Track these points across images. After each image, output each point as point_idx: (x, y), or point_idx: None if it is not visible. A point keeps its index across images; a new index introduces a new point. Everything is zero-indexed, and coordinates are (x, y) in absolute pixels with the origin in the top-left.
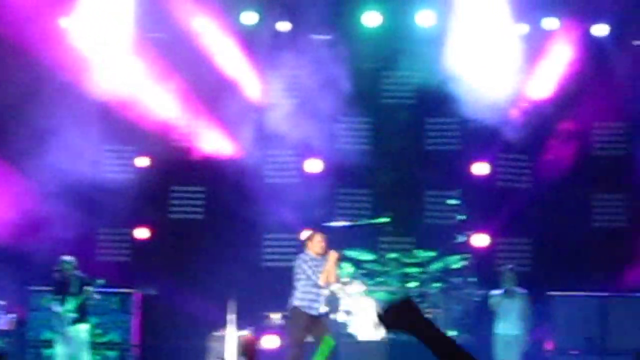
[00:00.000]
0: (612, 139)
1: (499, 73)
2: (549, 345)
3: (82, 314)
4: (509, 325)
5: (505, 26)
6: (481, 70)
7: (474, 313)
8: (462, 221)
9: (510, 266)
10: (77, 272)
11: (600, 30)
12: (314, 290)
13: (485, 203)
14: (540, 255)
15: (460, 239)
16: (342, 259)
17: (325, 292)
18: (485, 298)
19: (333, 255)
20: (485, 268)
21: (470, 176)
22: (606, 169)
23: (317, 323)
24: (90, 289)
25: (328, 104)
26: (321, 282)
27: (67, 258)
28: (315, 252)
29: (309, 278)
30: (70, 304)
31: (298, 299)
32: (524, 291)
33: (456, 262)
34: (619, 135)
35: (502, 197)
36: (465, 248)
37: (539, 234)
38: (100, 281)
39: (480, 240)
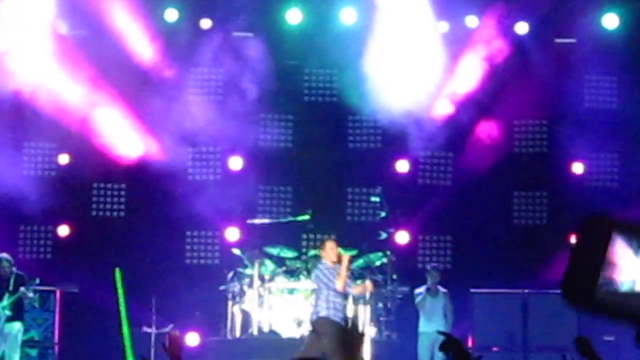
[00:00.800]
0: (533, 136)
1: (421, 70)
2: (470, 342)
3: (17, 312)
4: (433, 323)
5: (427, 24)
6: (403, 67)
7: (396, 310)
8: (384, 218)
9: (434, 264)
10: (15, 270)
11: (522, 28)
12: (336, 299)
13: (407, 200)
14: (461, 253)
15: (383, 236)
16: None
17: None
18: (407, 295)
19: (346, 258)
20: (407, 265)
21: (392, 173)
22: (527, 166)
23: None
24: (25, 287)
25: (250, 102)
26: (338, 288)
27: (4, 255)
28: (330, 260)
29: (327, 287)
30: (6, 302)
31: (324, 308)
32: (445, 290)
33: (378, 259)
34: (540, 133)
35: (424, 194)
36: (387, 245)
37: (460, 231)
38: (36, 280)
39: (402, 237)
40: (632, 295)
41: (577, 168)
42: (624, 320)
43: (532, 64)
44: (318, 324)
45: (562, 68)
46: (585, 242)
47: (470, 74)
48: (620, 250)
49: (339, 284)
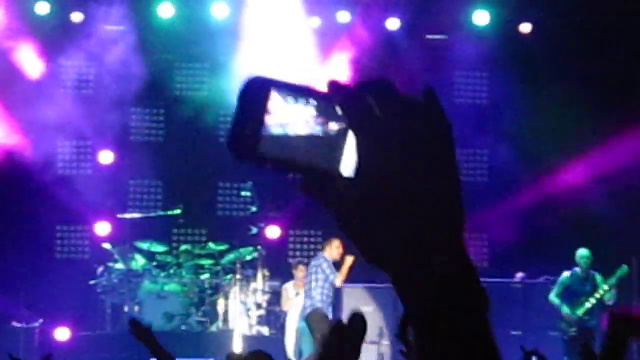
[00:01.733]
0: None
1: (293, 65)
2: None
3: None
4: (300, 317)
5: (298, 19)
6: (274, 62)
7: (266, 305)
8: (255, 213)
9: (300, 259)
10: None
11: (393, 24)
12: (330, 293)
13: (277, 195)
14: None
15: (253, 230)
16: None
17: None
18: (277, 290)
19: (349, 259)
20: (277, 260)
21: (262, 168)
22: None
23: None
24: None
25: (121, 95)
26: (338, 284)
27: None
28: (332, 257)
29: (326, 280)
30: None
31: (318, 301)
32: None
33: (249, 254)
34: None
35: (295, 189)
36: (257, 240)
37: (330, 226)
38: None
39: (273, 232)
40: (286, 139)
41: None
42: (289, 168)
43: (403, 60)
44: (313, 316)
45: (433, 64)
46: (245, 101)
47: (341, 69)
48: (276, 102)
49: (339, 281)
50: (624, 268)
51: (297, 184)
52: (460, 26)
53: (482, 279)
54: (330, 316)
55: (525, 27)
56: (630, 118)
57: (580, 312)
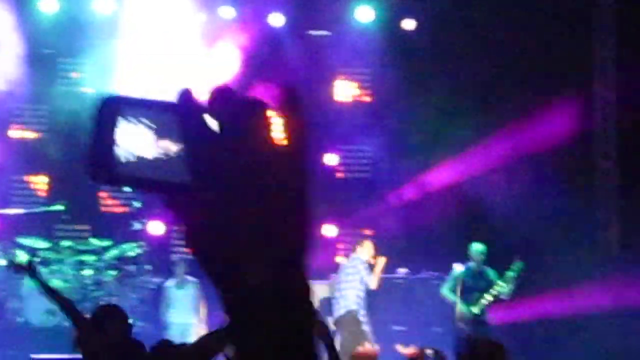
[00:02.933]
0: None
1: (178, 61)
2: None
3: None
4: (182, 314)
5: (184, 14)
6: (161, 57)
7: (149, 301)
8: (139, 209)
9: (181, 255)
10: None
11: (276, 19)
12: (363, 295)
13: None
14: None
15: (136, 226)
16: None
17: None
18: (160, 286)
19: (382, 260)
20: (160, 256)
21: None
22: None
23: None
24: None
25: (3, 90)
26: (373, 287)
27: None
28: (365, 258)
29: (361, 282)
30: None
31: (353, 302)
32: (195, 280)
33: (131, 249)
34: None
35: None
36: (140, 236)
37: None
38: None
39: (156, 228)
40: (139, 160)
41: (330, 159)
42: (147, 187)
43: (286, 56)
44: (346, 317)
45: (316, 60)
46: (98, 125)
47: (225, 65)
48: (123, 128)
49: (374, 284)
50: (520, 263)
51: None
52: (344, 22)
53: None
54: (360, 318)
55: (409, 24)
56: (511, 114)
57: (476, 309)
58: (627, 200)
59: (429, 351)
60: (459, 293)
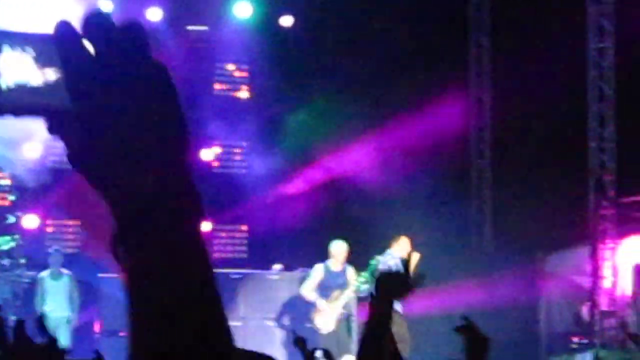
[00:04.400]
0: None
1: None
2: (97, 327)
3: None
4: (56, 306)
5: (61, 7)
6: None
7: (23, 294)
8: (13, 202)
9: (56, 247)
10: None
11: (154, 14)
12: None
13: (36, 184)
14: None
15: (10, 219)
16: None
17: None
18: (34, 279)
19: (416, 256)
20: (35, 249)
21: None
22: None
23: None
24: None
25: None
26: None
27: None
28: (400, 254)
29: None
30: None
31: None
32: (69, 272)
33: (6, 243)
34: None
35: (54, 177)
36: (15, 229)
37: (91, 215)
38: None
39: (30, 221)
40: (17, 90)
41: (207, 155)
42: (30, 113)
43: (165, 51)
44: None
45: (194, 55)
46: None
47: None
48: (3, 55)
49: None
50: (378, 260)
51: (47, 127)
52: (222, 18)
53: (240, 270)
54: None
55: (287, 20)
56: (389, 111)
57: (334, 306)
58: (500, 199)
59: (318, 353)
60: (316, 291)
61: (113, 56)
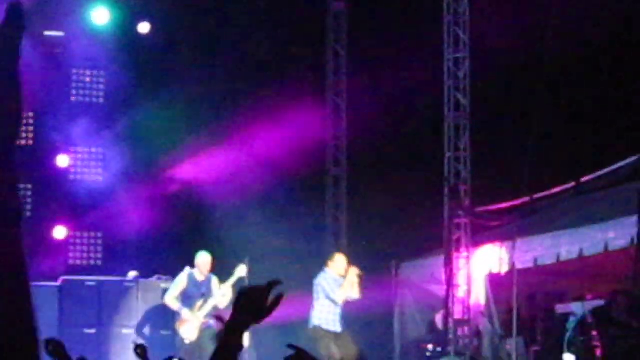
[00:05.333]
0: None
1: None
2: None
3: None
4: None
5: None
6: None
7: None
8: None
9: None
10: None
11: None
12: (330, 309)
13: None
14: None
15: None
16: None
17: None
18: None
19: (353, 273)
20: None
21: None
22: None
23: (341, 338)
24: None
25: None
26: (339, 300)
27: None
28: (338, 272)
29: (327, 297)
30: None
31: (316, 317)
32: None
33: None
34: (26, 125)
35: None
36: None
37: None
38: None
39: None
40: None
41: (62, 161)
42: None
43: (21, 56)
44: (311, 333)
45: (50, 61)
46: None
47: None
48: None
49: (339, 297)
50: (242, 268)
51: None
52: (79, 24)
53: (95, 277)
54: (336, 330)
55: (144, 27)
56: (246, 119)
57: (197, 316)
58: (356, 208)
59: None
60: (179, 300)
61: None
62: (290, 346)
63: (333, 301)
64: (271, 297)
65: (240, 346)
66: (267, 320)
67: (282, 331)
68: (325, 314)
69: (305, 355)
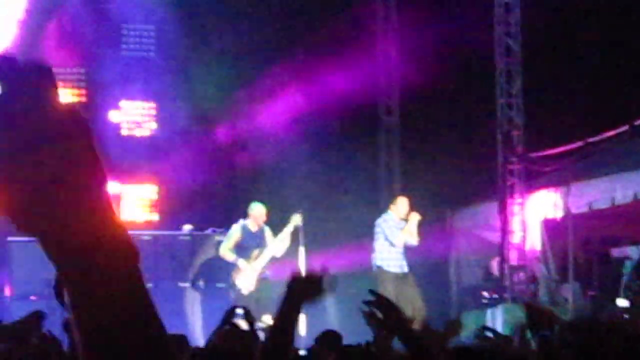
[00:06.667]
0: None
1: None
2: (7, 291)
3: None
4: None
5: None
6: None
7: None
8: None
9: None
10: None
11: None
12: (393, 250)
13: None
14: None
15: None
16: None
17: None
18: None
19: (414, 217)
20: None
21: None
22: None
23: (404, 282)
24: None
25: None
26: (398, 243)
27: None
28: (399, 215)
29: (386, 239)
30: None
31: (379, 259)
32: None
33: None
34: (78, 81)
35: None
36: None
37: None
38: None
39: None
40: None
41: (114, 116)
42: None
43: (70, 12)
44: (376, 273)
45: (101, 16)
46: None
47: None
48: None
49: (398, 240)
50: (297, 217)
51: None
52: None
53: (152, 231)
54: (399, 271)
55: None
56: (297, 70)
57: (253, 267)
58: (409, 157)
59: (239, 311)
60: (234, 251)
61: (20, 97)
62: (370, 291)
63: (391, 243)
64: (325, 281)
65: (296, 321)
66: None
67: (341, 280)
68: (386, 254)
69: (385, 299)
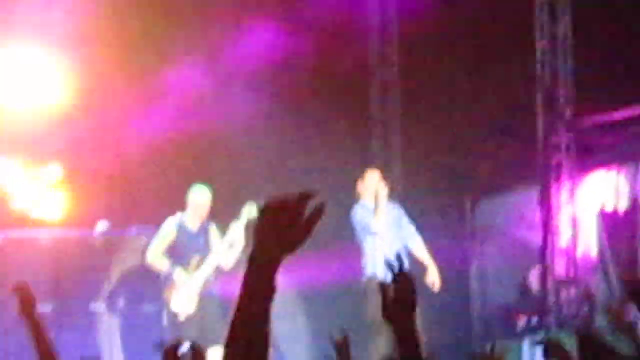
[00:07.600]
0: None
1: None
2: None
3: None
4: None
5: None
6: None
7: None
8: None
9: None
10: None
11: None
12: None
13: None
14: None
15: None
16: None
17: None
18: None
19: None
20: None
21: None
22: None
23: None
24: None
25: None
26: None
27: None
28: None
29: (368, 233)
30: None
31: (370, 264)
32: None
33: None
34: None
35: None
36: None
37: None
38: None
39: None
40: None
41: None
42: None
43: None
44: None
45: None
46: None
47: None
48: None
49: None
50: (251, 208)
51: None
52: None
53: (51, 230)
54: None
55: None
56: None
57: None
58: (412, 125)
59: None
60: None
61: None
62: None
63: (374, 235)
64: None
65: (272, 290)
66: (312, 286)
67: (331, 296)
68: (379, 257)
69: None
